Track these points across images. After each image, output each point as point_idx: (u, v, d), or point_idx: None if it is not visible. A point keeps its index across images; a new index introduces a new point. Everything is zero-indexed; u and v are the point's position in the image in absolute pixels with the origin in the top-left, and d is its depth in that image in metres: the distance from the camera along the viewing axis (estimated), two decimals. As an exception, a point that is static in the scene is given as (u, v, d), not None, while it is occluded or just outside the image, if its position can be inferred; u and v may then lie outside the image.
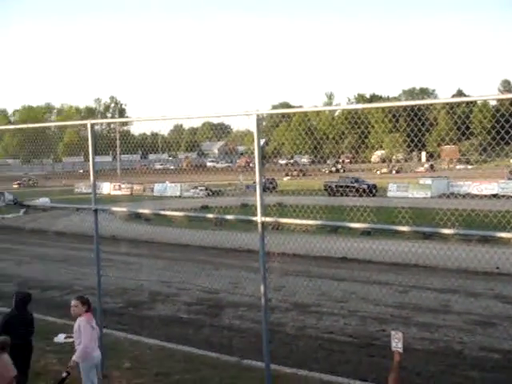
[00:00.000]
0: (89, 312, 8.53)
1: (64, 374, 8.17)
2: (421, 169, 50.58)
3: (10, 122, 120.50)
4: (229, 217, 10.95)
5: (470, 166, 43.25)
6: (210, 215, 13.59)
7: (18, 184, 37.23)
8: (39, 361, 10.64)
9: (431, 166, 50.54)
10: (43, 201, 14.86)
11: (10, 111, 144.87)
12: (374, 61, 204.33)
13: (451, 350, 12.22)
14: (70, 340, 8.71)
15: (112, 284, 16.18)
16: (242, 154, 31.43)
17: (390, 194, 43.42)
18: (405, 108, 8.57)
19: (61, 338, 9.20)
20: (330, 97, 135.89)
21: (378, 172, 47.42)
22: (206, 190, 38.82)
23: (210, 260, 22.46)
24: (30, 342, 8.95)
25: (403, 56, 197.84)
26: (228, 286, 18.07)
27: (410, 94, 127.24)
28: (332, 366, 11.08)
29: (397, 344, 6.16)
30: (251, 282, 15.21)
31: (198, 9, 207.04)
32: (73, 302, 8.52)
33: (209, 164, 39.36)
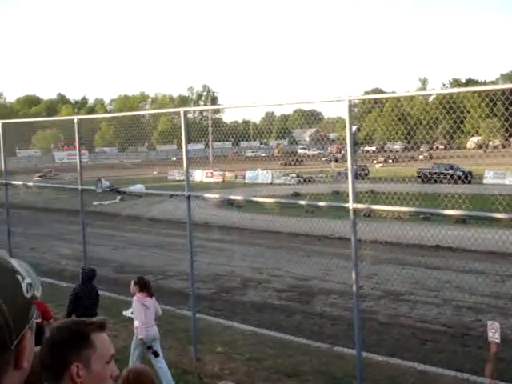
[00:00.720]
0: (143, 292, 9.25)
1: (148, 350, 9.15)
2: (520, 155, 48.81)
3: (106, 111, 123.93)
4: (320, 203, 10.92)
5: None
6: (302, 202, 13.53)
7: (40, 176, 37.98)
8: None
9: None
10: (138, 187, 15.20)
11: (107, 100, 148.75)
12: (469, 44, 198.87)
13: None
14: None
15: (205, 270, 16.44)
16: (333, 140, 31.25)
17: (486, 181, 42.16)
18: (503, 92, 8.29)
19: (128, 312, 9.88)
20: (424, 82, 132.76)
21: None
22: (297, 177, 38.79)
23: (302, 247, 22.45)
24: (95, 313, 9.68)
25: (501, 38, 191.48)
26: (319, 273, 18.03)
27: (509, 77, 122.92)
28: (425, 356, 10.89)
29: (494, 334, 6.00)
30: (343, 270, 15.13)
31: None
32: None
33: (300, 151, 39.32)
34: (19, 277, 1.24)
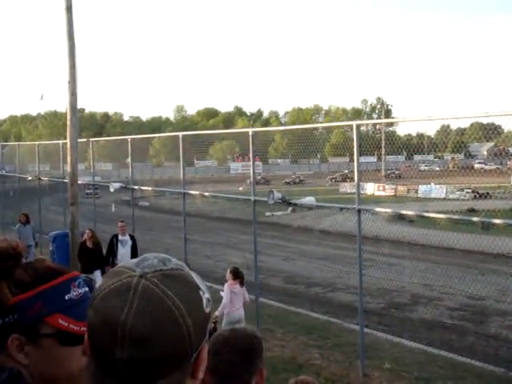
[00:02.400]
0: (235, 280, 10.88)
1: (211, 325, 9.67)
2: None
3: (281, 123, 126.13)
4: (497, 221, 10.46)
5: None
6: (475, 218, 13.00)
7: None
8: (303, 354, 11.01)
9: None
10: (309, 199, 15.30)
11: (281, 113, 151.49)
12: None
13: None
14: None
15: (373, 284, 16.23)
16: (512, 155, 29.79)
17: None
18: None
19: (221, 293, 11.27)
20: None
21: None
22: (473, 192, 37.40)
23: (476, 265, 21.59)
24: None
25: None
26: (494, 293, 17.22)
27: None
28: None
29: None
30: (521, 291, 14.39)
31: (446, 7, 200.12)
32: None
33: (476, 166, 37.89)
34: (201, 292, 1.29)
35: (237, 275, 11.01)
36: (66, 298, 1.64)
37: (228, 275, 11.08)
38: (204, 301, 1.29)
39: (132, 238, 15.63)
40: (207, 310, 1.30)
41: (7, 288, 1.58)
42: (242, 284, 11.03)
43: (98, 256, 15.02)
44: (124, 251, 14.86)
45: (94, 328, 1.26)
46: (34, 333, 1.58)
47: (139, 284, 1.23)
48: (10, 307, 1.57)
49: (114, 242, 15.24)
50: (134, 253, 15.00)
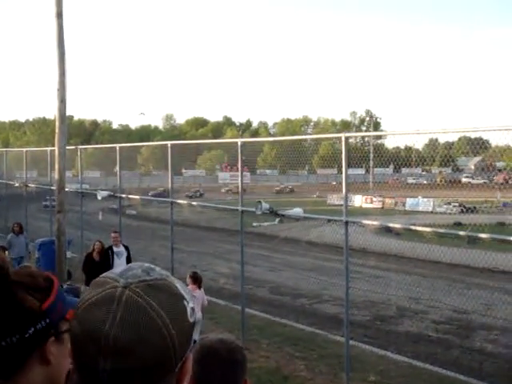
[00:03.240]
0: (195, 284, 11.13)
1: None
2: None
3: (270, 134, 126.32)
4: (482, 235, 10.50)
5: None
6: (461, 232, 13.04)
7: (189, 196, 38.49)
8: (288, 365, 10.99)
9: None
10: (296, 211, 15.32)
11: (270, 123, 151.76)
12: None
13: None
14: None
15: (360, 296, 16.25)
16: (499, 170, 29.98)
17: None
18: None
19: None
20: None
21: None
22: (460, 206, 37.56)
23: (462, 279, 21.66)
24: None
25: None
26: (480, 307, 17.26)
27: None
28: None
29: None
30: (505, 305, 14.43)
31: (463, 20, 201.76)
32: None
33: (464, 180, 38.05)
34: (185, 302, 1.29)
35: (196, 279, 11.33)
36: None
37: (188, 279, 11.23)
38: (188, 310, 1.29)
39: (126, 248, 15.21)
40: (191, 320, 1.29)
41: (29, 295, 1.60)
42: (199, 287, 11.31)
43: (106, 269, 14.80)
44: (120, 263, 14.46)
45: (78, 338, 1.26)
46: (59, 332, 1.62)
47: (123, 295, 1.23)
48: (39, 313, 1.59)
49: (109, 255, 14.72)
50: (129, 262, 14.30)
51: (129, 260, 14.76)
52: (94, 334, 1.21)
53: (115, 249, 14.89)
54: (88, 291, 1.29)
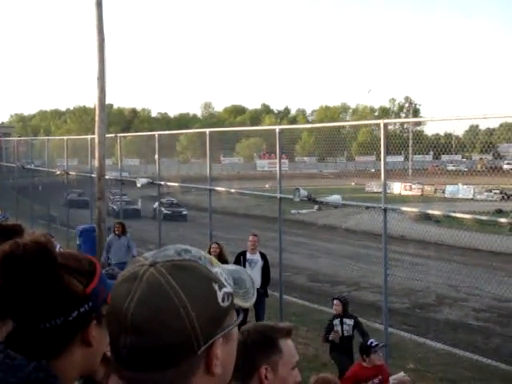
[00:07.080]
0: None
1: None
2: None
3: (308, 121, 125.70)
4: (524, 222, 10.36)
5: None
6: (503, 220, 12.86)
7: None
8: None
9: None
10: (335, 198, 15.23)
11: (308, 111, 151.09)
12: None
13: None
14: None
15: (398, 284, 16.16)
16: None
17: None
18: None
19: None
20: None
21: None
22: (501, 193, 37.01)
23: (503, 266, 21.38)
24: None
25: None
26: (521, 295, 17.07)
27: None
28: None
29: None
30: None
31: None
32: None
33: (505, 167, 37.50)
34: (216, 285, 1.27)
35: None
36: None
37: None
38: (219, 294, 1.27)
39: (263, 256, 12.66)
40: (224, 304, 1.28)
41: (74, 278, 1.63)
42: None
43: None
44: (251, 273, 12.82)
45: (107, 314, 1.31)
46: (100, 315, 1.65)
47: (145, 273, 1.25)
48: (83, 297, 1.63)
49: (240, 261, 12.21)
50: (265, 273, 12.50)
51: (265, 271, 12.48)
52: (116, 310, 1.24)
53: (249, 255, 12.50)
54: (125, 269, 1.32)
